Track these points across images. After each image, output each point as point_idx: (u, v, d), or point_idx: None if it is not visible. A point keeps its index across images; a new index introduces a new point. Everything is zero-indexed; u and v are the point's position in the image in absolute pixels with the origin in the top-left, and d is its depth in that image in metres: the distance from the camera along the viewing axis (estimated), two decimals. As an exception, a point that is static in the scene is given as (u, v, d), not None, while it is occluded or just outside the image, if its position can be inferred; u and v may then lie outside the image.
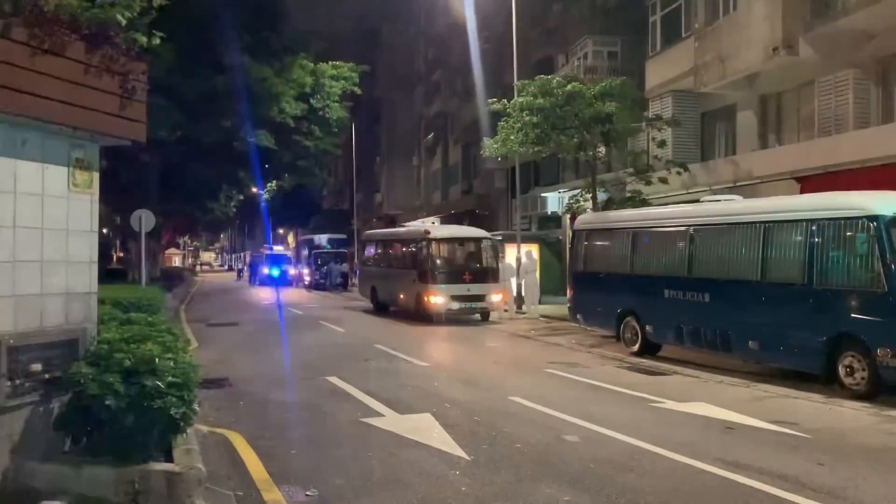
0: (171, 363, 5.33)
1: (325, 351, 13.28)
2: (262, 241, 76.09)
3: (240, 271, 56.89)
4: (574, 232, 14.93)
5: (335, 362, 11.72)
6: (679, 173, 17.11)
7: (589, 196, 18.03)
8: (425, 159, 43.66)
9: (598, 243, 14.14)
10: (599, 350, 13.15)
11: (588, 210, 17.74)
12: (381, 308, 21.49)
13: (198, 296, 32.67)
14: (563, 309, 17.35)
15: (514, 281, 20.10)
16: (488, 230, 20.68)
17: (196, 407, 5.43)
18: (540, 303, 21.01)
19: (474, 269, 18.54)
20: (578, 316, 14.25)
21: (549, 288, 23.06)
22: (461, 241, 19.49)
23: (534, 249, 21.77)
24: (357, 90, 25.64)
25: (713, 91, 17.27)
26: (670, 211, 13.02)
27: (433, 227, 23.60)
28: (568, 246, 19.26)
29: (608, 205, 17.44)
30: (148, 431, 5.12)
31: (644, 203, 16.67)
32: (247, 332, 16.84)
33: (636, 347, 12.43)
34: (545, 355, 12.67)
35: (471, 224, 28.11)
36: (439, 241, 18.84)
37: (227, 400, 8.80)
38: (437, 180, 41.35)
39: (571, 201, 18.46)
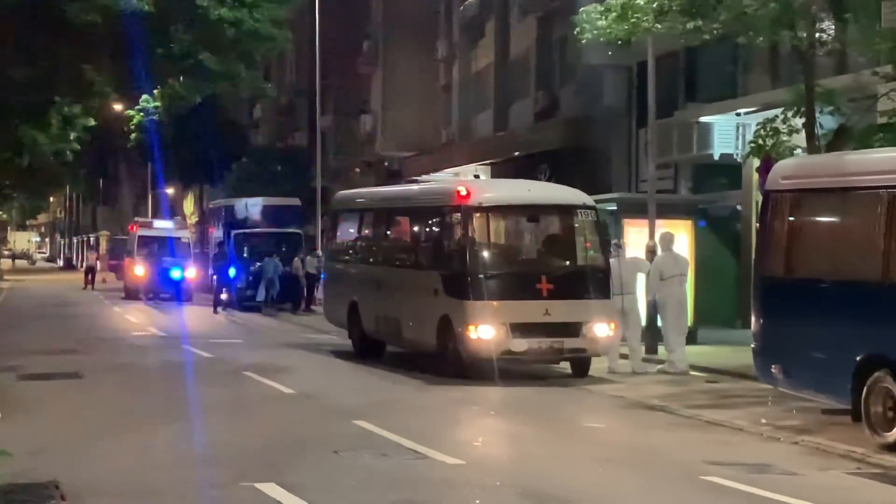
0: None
1: (255, 430, 13.34)
2: (130, 210, 77.02)
3: (91, 271, 57.60)
4: (766, 196, 14.81)
5: (276, 454, 11.78)
6: None
7: (800, 122, 17.84)
8: (462, 48, 43.58)
9: (817, 220, 14.01)
10: (815, 438, 13.00)
11: (797, 152, 17.55)
12: (370, 348, 21.62)
13: (2, 317, 33.03)
14: (740, 354, 17.13)
15: (640, 297, 20.03)
16: (589, 192, 20.56)
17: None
18: (693, 342, 20.82)
19: (559, 270, 18.55)
20: (774, 368, 14.11)
21: (715, 311, 22.86)
22: (533, 212, 19.40)
23: (682, 231, 21.64)
24: None
25: None
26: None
27: (476, 183, 23.51)
28: (754, 225, 19.02)
29: (838, 140, 17.23)
30: None
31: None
32: (99, 393, 16.94)
33: (894, 434, 12.27)
34: (702, 448, 12.60)
35: (553, 178, 27.95)
36: (488, 211, 18.82)
37: (57, 526, 8.86)
38: (486, 91, 41.27)
39: (762, 133, 18.26)
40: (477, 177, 29.81)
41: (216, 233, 43.32)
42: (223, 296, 37.69)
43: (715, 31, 18.28)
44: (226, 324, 32.26)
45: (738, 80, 25.77)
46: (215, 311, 35.79)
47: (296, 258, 36.74)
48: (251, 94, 41.59)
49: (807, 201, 14.05)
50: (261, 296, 36.33)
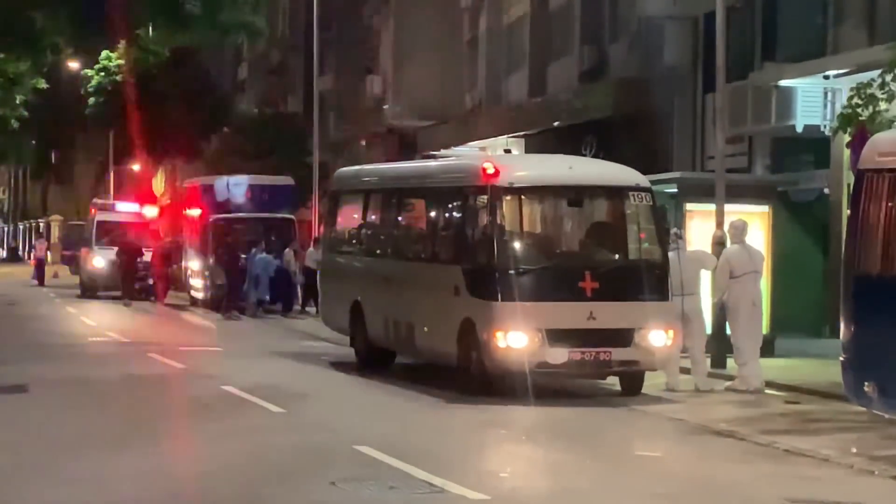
0: None
1: (236, 458, 13.39)
2: (88, 190, 77.33)
3: (41, 263, 57.91)
4: (860, 176, 14.73)
5: (260, 486, 11.80)
6: None
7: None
8: (490, -5, 43.58)
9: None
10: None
11: (898, 122, 17.48)
12: (376, 358, 21.77)
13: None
14: (826, 369, 17.19)
15: (705, 299, 20.00)
16: (644, 170, 20.56)
17: None
18: (770, 353, 20.84)
19: (606, 265, 18.66)
20: (868, 386, 14.06)
21: (796, 316, 22.91)
22: (575, 194, 19.42)
23: (756, 219, 21.71)
24: None
25: None
26: None
27: (507, 159, 23.46)
28: (845, 211, 18.90)
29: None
30: None
31: None
32: (47, 411, 17.04)
33: None
34: (779, 482, 12.61)
35: (601, 154, 27.86)
36: (521, 193, 18.97)
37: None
38: (520, 47, 41.30)
39: (856, 101, 18.14)
40: (508, 151, 29.84)
41: (191, 217, 43.19)
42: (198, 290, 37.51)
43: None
44: (202, 326, 32.30)
45: (826, 34, 25.61)
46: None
47: (287, 249, 36.75)
48: (235, 42, 41.38)
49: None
50: (253, 296, 35.94)
